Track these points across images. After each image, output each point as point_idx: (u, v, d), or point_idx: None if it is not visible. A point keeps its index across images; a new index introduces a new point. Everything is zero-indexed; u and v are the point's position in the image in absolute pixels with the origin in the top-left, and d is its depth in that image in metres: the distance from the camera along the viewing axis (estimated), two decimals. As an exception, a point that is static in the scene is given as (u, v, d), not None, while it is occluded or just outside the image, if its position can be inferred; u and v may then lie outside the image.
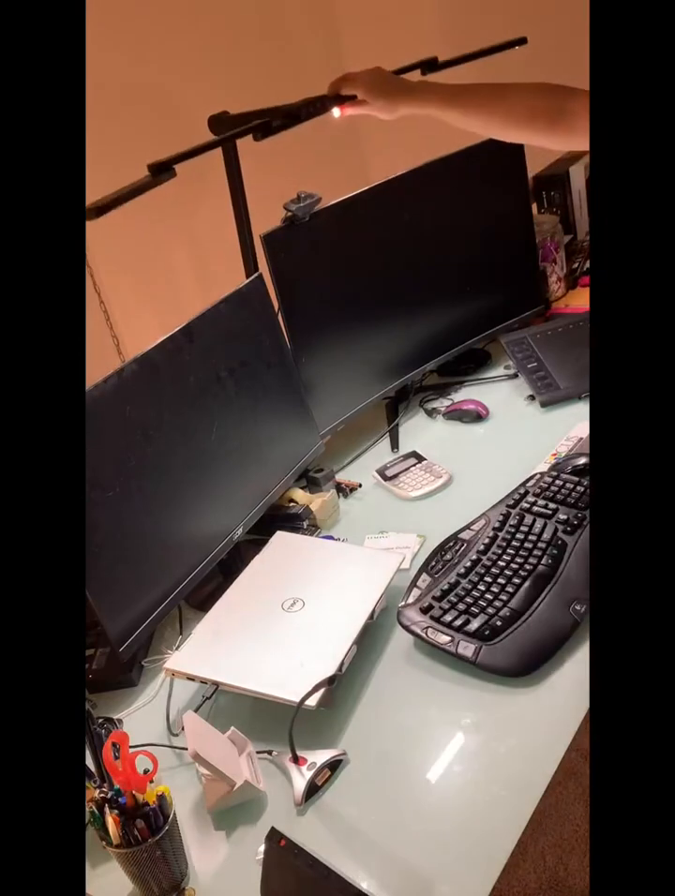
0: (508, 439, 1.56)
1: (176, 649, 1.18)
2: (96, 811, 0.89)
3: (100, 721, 1.07)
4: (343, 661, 1.05)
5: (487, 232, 1.71)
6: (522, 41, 1.63)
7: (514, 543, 1.18)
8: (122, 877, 0.90)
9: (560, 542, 1.17)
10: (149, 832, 0.87)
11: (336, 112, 1.32)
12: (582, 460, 1.32)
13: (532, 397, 1.63)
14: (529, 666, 1.03)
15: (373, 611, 1.12)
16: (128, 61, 1.94)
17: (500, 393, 1.70)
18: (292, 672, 1.04)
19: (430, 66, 1.54)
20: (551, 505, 1.23)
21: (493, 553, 1.18)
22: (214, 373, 1.29)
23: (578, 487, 1.25)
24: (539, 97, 1.16)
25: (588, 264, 1.98)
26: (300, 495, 1.45)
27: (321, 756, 0.97)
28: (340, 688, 1.08)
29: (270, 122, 1.30)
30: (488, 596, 1.11)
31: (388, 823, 0.91)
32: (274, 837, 0.86)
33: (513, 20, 1.79)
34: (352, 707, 1.06)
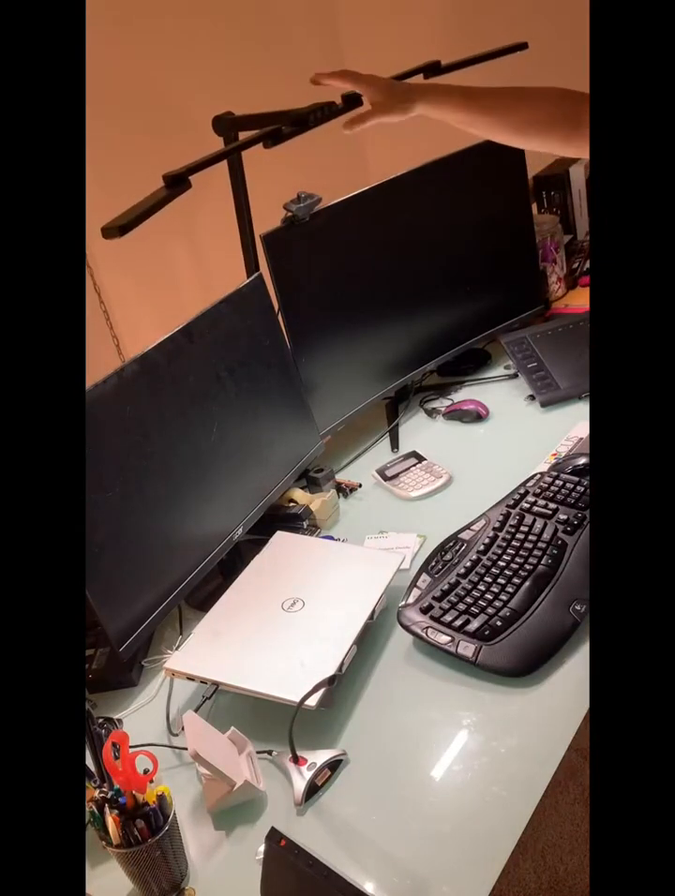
0: (508, 439, 1.56)
1: (176, 649, 1.17)
2: (96, 811, 0.89)
3: (100, 721, 1.07)
4: (343, 661, 1.05)
5: (487, 232, 1.71)
6: (523, 46, 1.63)
7: (514, 543, 1.18)
8: (122, 877, 0.90)
9: (560, 542, 1.17)
10: (149, 832, 0.87)
11: (346, 130, 1.21)
12: (582, 460, 1.32)
13: (532, 397, 1.63)
14: (529, 666, 1.03)
15: (373, 611, 1.13)
16: (128, 60, 1.94)
17: (500, 393, 1.70)
18: (292, 672, 1.04)
19: (434, 69, 1.54)
20: (551, 505, 1.23)
21: (493, 553, 1.18)
22: (214, 373, 1.29)
23: (578, 487, 1.25)
24: (556, 104, 1.11)
25: (588, 264, 1.98)
26: (300, 495, 1.45)
27: (321, 756, 0.98)
28: (340, 688, 1.08)
29: (281, 129, 1.29)
30: (488, 596, 1.11)
31: (388, 823, 0.91)
32: (274, 837, 0.86)
33: (513, 23, 1.79)
34: (352, 707, 1.06)
